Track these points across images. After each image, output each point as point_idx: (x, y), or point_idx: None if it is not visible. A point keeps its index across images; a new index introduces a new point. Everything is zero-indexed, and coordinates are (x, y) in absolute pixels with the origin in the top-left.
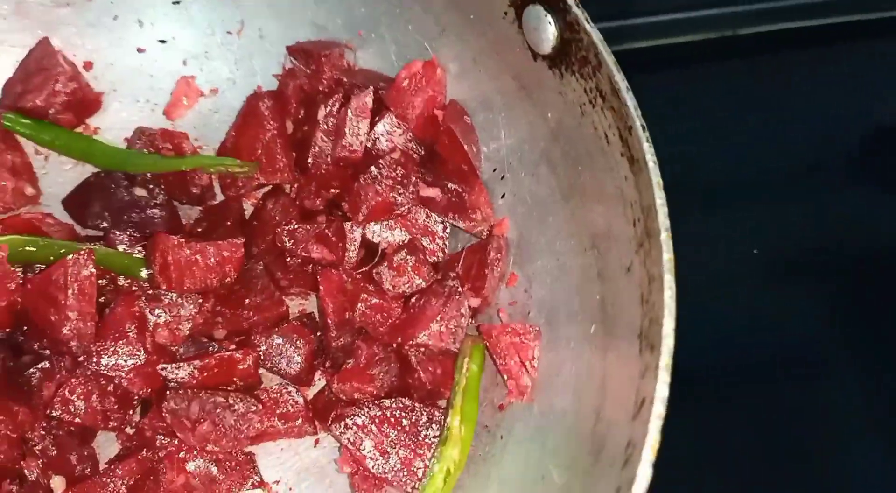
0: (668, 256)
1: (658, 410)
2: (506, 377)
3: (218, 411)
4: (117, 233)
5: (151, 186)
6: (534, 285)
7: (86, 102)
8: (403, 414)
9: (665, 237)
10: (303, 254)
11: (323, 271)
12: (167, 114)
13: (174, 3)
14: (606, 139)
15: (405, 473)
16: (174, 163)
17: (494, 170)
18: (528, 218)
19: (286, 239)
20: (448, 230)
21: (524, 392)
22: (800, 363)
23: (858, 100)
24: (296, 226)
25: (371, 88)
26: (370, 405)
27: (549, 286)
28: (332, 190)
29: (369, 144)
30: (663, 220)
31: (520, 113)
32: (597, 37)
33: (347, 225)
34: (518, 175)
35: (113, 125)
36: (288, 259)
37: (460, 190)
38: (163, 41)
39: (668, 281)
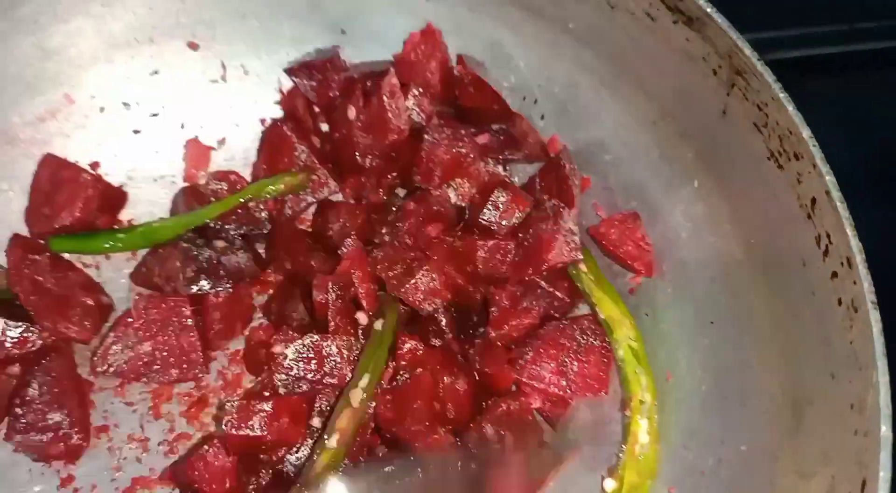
0: (771, 78)
1: (837, 195)
2: (629, 262)
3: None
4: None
5: (224, 235)
6: (609, 177)
7: (114, 200)
8: (560, 334)
9: (761, 66)
10: (418, 235)
11: (433, 245)
12: (189, 181)
13: (152, 73)
14: (650, 17)
15: (587, 382)
16: (233, 200)
17: (524, 98)
18: (578, 125)
19: (396, 231)
20: (509, 169)
21: (650, 267)
22: None
23: None
24: (405, 212)
25: (390, 69)
26: (531, 339)
27: (626, 172)
28: (391, 176)
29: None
30: (750, 54)
31: (535, 37)
32: None
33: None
34: (551, 92)
35: (143, 212)
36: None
37: (504, 127)
38: (155, 114)
39: (785, 98)
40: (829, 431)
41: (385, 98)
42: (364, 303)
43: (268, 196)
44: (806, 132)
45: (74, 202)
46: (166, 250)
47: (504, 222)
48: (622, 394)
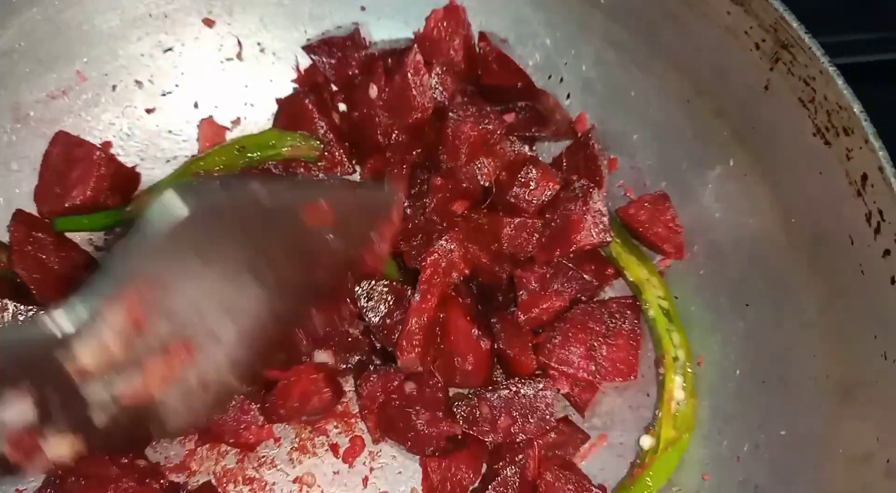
0: (819, 51)
1: (892, 170)
2: (659, 244)
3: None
4: None
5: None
6: (638, 157)
7: (127, 180)
8: (589, 317)
9: (809, 39)
10: (443, 211)
11: (458, 220)
12: None
13: (166, 50)
14: None
15: (616, 366)
16: (228, 148)
17: (549, 77)
18: (606, 103)
19: (426, 208)
20: (536, 148)
21: (681, 249)
22: None
23: None
24: (432, 188)
25: (414, 46)
26: (559, 323)
27: (655, 152)
28: (415, 152)
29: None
30: (798, 27)
31: (561, 12)
32: None
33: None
34: (578, 70)
35: None
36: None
37: (530, 104)
38: (167, 93)
39: (835, 71)
40: (884, 413)
41: (409, 76)
42: None
43: (271, 154)
44: (857, 107)
45: (87, 181)
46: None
47: (533, 200)
48: (655, 354)
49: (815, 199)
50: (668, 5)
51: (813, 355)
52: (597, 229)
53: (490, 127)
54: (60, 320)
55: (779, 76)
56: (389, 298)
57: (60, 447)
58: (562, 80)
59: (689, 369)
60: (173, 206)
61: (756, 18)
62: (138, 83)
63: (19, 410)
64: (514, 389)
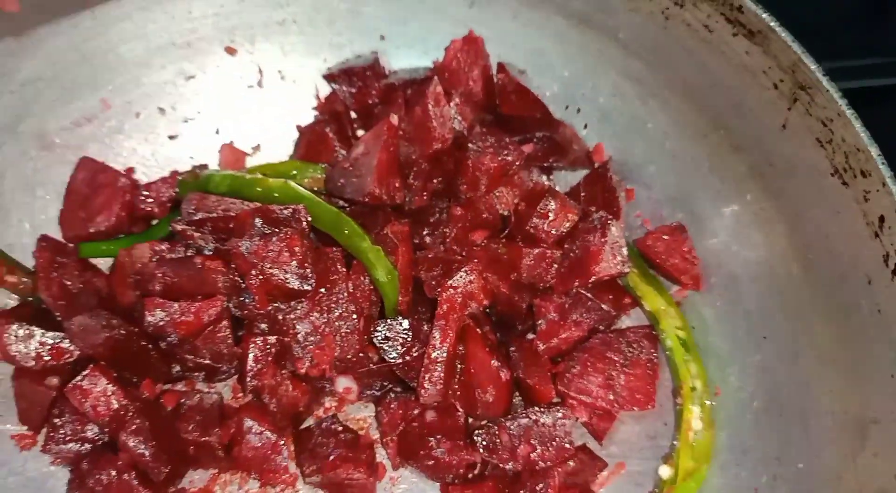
0: (837, 94)
1: None
2: (676, 275)
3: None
4: None
5: None
6: (655, 188)
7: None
8: (607, 347)
9: (827, 82)
10: (462, 241)
11: (478, 249)
12: None
13: (188, 78)
14: (707, 28)
15: (634, 396)
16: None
17: (567, 107)
18: (623, 134)
19: (442, 236)
20: (553, 177)
21: (698, 281)
22: None
23: None
24: (452, 217)
25: (434, 77)
26: (578, 353)
27: (672, 184)
28: (435, 180)
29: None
30: (816, 69)
31: (579, 46)
32: None
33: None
34: (595, 102)
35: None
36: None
37: (548, 134)
38: (189, 119)
39: (852, 114)
40: None
41: (430, 106)
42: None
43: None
44: (874, 150)
45: (111, 207)
46: None
47: (552, 231)
48: (672, 384)
49: (832, 237)
50: (685, 42)
51: (830, 391)
52: (615, 261)
53: (509, 158)
54: None
55: (797, 116)
56: (406, 335)
57: None
58: (579, 110)
59: (706, 400)
60: None
61: (775, 59)
62: (161, 110)
63: None
64: (534, 417)
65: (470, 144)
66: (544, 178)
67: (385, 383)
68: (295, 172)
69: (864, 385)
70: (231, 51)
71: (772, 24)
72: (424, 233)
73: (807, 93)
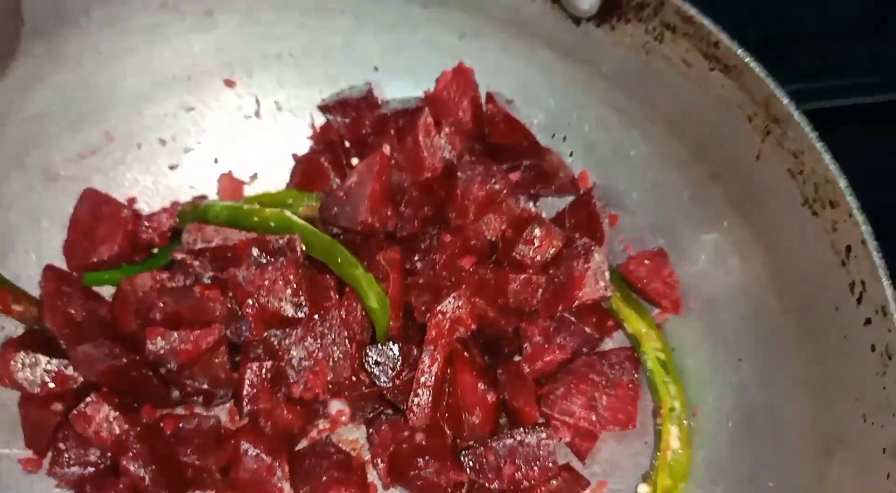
0: (808, 128)
1: (874, 244)
2: (657, 300)
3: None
4: None
5: None
6: (637, 215)
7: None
8: (590, 369)
9: (798, 115)
10: (451, 267)
11: (466, 275)
12: None
13: (188, 110)
14: (686, 62)
15: (616, 416)
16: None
17: (553, 136)
18: (607, 162)
19: (431, 263)
20: (539, 204)
21: (678, 305)
22: None
23: None
24: (442, 244)
25: (425, 108)
26: (562, 374)
27: (654, 211)
28: (425, 208)
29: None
30: (788, 103)
31: (566, 77)
32: None
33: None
34: (581, 130)
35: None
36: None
37: (535, 162)
38: (189, 150)
39: (822, 147)
40: (861, 473)
41: (421, 137)
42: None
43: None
44: (843, 182)
45: (114, 237)
46: None
47: (538, 257)
48: (653, 403)
49: (803, 265)
50: (665, 76)
51: (801, 413)
52: (598, 286)
53: (497, 187)
54: None
55: (770, 147)
56: (397, 359)
57: None
58: (565, 139)
59: (684, 420)
60: None
61: (749, 93)
62: (162, 141)
63: None
64: (519, 438)
65: (459, 173)
66: (531, 204)
67: (377, 406)
68: (291, 201)
69: (831, 408)
70: (230, 83)
71: (746, 59)
72: (416, 259)
73: (779, 126)
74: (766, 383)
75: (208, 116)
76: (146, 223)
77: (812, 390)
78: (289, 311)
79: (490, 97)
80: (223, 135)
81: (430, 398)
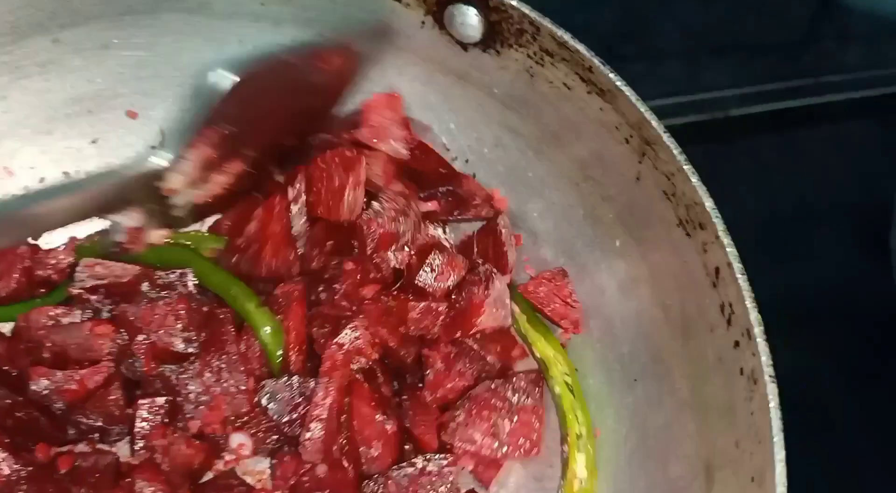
0: (677, 150)
1: (738, 267)
2: (557, 320)
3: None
4: None
5: None
6: (539, 235)
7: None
8: (493, 394)
9: (667, 138)
10: (352, 296)
11: (365, 305)
12: None
13: (91, 142)
14: (566, 86)
15: (519, 443)
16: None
17: (455, 158)
18: (507, 183)
19: (332, 292)
20: (448, 229)
21: (577, 325)
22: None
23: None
24: (344, 273)
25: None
26: (463, 401)
27: (553, 230)
28: (327, 244)
29: None
30: (657, 126)
31: (462, 100)
32: (525, 8)
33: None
34: (481, 152)
35: None
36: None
37: (451, 188)
38: None
39: (690, 170)
40: None
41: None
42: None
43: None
44: (709, 203)
45: (10, 273)
46: None
47: (440, 285)
48: (560, 431)
49: (682, 286)
50: (549, 98)
51: (687, 435)
52: (498, 314)
53: (401, 230)
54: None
55: (647, 169)
56: (292, 393)
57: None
58: (467, 161)
59: (590, 447)
60: (225, 77)
61: (623, 116)
62: (66, 174)
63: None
64: (420, 465)
65: (374, 202)
66: (440, 231)
67: (279, 438)
68: (189, 243)
69: (710, 432)
70: (132, 115)
71: (618, 83)
72: (320, 290)
73: (652, 148)
74: (657, 404)
75: (112, 147)
76: (45, 259)
77: (695, 411)
78: (179, 346)
79: (406, 124)
80: (129, 166)
81: (322, 432)
